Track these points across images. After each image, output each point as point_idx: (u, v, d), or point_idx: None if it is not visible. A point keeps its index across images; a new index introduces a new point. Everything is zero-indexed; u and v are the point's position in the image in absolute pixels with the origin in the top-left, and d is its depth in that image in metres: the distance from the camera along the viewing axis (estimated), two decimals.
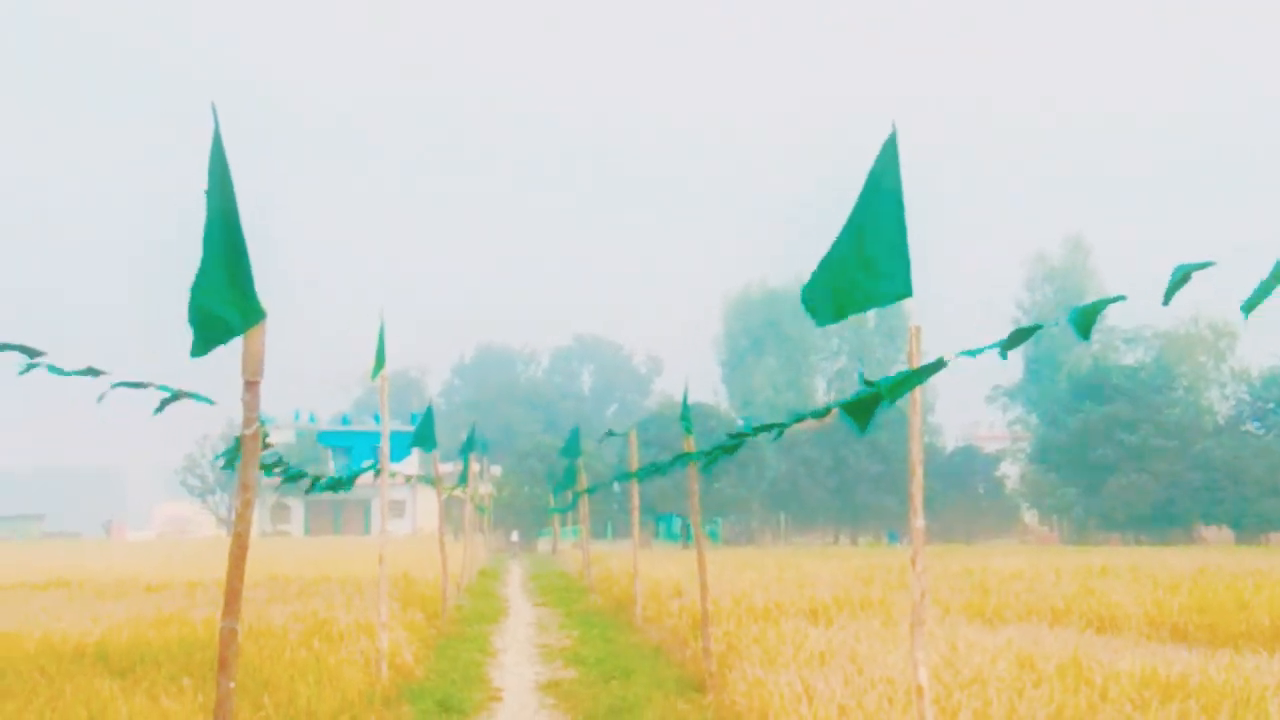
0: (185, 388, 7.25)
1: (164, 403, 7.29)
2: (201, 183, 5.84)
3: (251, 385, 6.08)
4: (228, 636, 6.08)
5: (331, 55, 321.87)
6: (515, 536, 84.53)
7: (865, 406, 6.40)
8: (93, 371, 6.54)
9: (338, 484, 16.05)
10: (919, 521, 6.81)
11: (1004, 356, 5.65)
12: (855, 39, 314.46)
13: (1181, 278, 4.49)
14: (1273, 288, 4.25)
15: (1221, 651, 13.08)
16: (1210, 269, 4.42)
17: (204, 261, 5.88)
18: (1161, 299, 4.58)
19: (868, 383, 6.27)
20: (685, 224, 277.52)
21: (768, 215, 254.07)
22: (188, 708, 9.84)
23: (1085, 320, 5.20)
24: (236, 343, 6.14)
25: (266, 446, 11.59)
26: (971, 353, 5.86)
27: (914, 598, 6.86)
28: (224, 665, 6.05)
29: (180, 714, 9.59)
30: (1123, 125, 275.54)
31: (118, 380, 6.76)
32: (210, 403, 7.43)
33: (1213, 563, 31.66)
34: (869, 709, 8.98)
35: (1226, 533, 79.96)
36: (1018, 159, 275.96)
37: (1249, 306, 4.30)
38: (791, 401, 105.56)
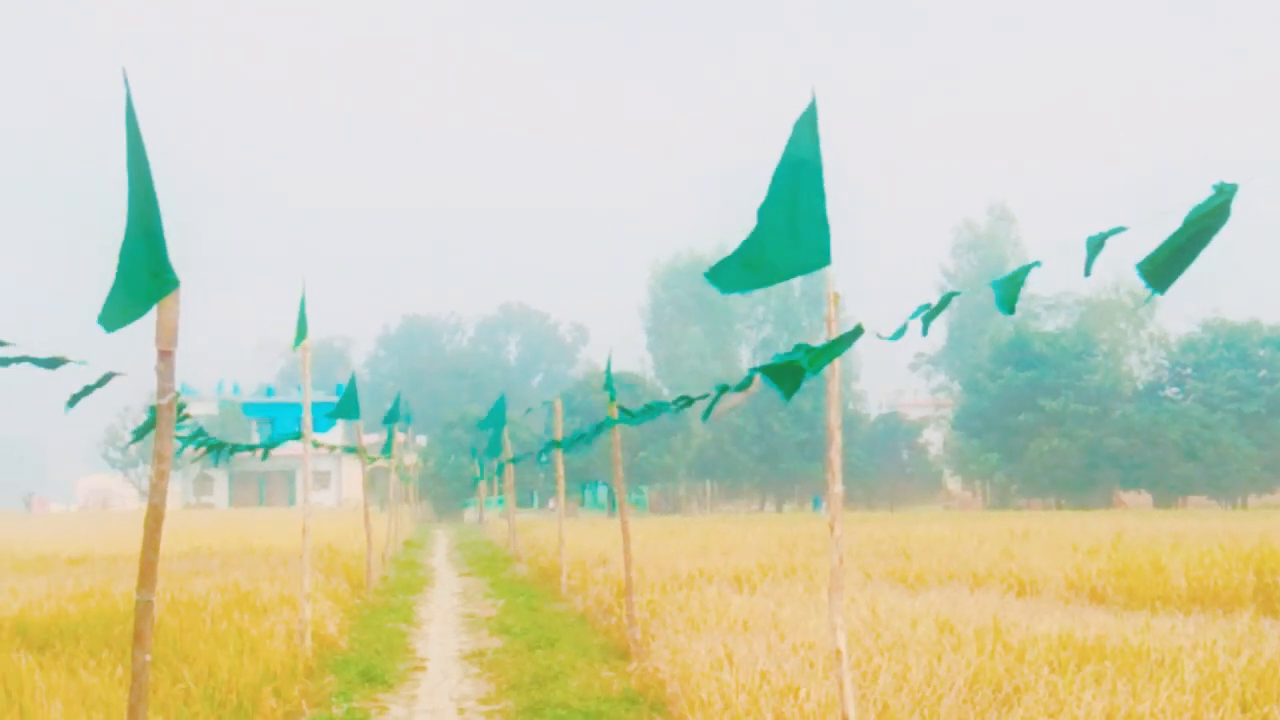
0: (103, 359, 7.14)
1: (74, 399, 7.21)
2: (109, 150, 5.75)
3: (165, 355, 5.99)
4: (143, 609, 6.01)
5: (256, 23, 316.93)
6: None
7: (790, 372, 6.38)
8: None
9: (262, 448, 15.93)
10: (837, 487, 6.84)
11: (925, 334, 5.72)
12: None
13: (1096, 246, 4.54)
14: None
15: (1138, 614, 13.30)
16: (1124, 234, 4.47)
17: (128, 233, 5.78)
18: (1083, 270, 4.63)
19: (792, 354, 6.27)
20: (614, 191, 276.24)
21: (700, 184, 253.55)
22: (106, 681, 9.74)
23: (1008, 294, 5.25)
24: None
25: (184, 418, 11.51)
26: (894, 335, 5.94)
27: (832, 563, 6.91)
28: (139, 638, 5.98)
29: (99, 688, 9.49)
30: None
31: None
32: (120, 375, 7.32)
33: (1131, 526, 32.10)
34: (790, 674, 9.04)
35: (1145, 497, 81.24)
36: (947, 125, 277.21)
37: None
38: (717, 370, 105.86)
